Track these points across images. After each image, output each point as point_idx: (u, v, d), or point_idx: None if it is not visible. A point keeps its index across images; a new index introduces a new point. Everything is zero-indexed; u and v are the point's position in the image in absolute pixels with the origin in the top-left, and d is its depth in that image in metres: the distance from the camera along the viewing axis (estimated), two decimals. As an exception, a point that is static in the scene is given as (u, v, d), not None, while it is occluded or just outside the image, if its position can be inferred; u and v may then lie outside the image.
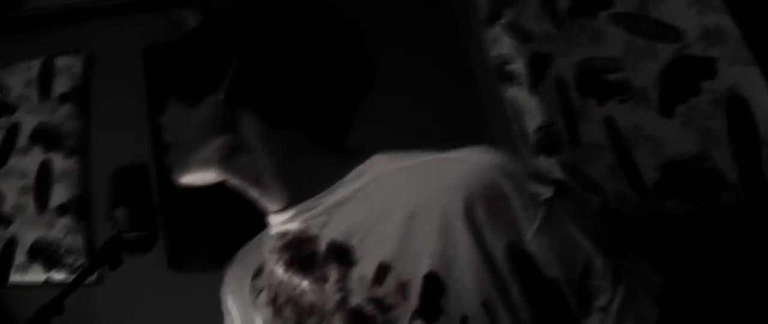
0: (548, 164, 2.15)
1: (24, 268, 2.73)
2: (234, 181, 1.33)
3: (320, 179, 1.23)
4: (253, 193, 1.32)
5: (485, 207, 1.05)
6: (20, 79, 3.04)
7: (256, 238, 1.49)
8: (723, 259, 1.54)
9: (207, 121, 1.27)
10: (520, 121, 2.37)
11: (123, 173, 1.44)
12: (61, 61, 3.05)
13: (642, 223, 1.71)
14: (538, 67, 2.12)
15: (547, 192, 1.08)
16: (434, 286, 1.06)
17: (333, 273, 1.16)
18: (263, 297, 1.35)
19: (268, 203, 1.31)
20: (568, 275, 1.07)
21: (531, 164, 1.18)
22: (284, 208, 1.27)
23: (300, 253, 1.23)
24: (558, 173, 2.09)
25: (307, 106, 1.26)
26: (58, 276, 2.71)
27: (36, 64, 3.06)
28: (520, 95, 2.32)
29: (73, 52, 3.07)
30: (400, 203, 1.12)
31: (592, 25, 1.79)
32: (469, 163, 1.11)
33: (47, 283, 2.71)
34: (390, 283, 1.09)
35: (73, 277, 2.54)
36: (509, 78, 2.40)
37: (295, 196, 1.25)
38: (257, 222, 1.41)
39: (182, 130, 1.31)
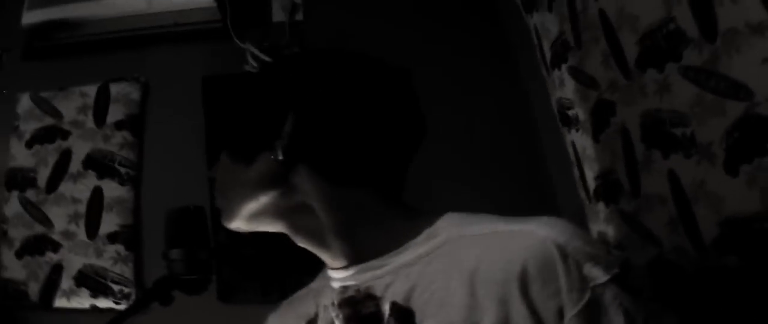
0: (607, 212, 2.17)
1: (70, 293, 2.77)
2: (295, 238, 1.37)
3: (385, 238, 1.27)
4: (316, 250, 1.35)
5: (540, 284, 1.09)
6: (75, 104, 3.10)
7: (309, 286, 1.53)
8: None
9: (263, 177, 1.30)
10: (580, 167, 2.38)
11: (180, 214, 1.49)
12: (117, 88, 3.11)
13: (699, 277, 1.72)
14: (602, 115, 2.13)
15: (600, 277, 1.09)
16: None
17: None
18: None
19: (330, 260, 1.34)
20: None
21: (599, 243, 1.18)
22: (347, 266, 1.30)
23: (361, 311, 1.26)
24: (616, 221, 2.11)
25: (365, 160, 1.30)
26: (104, 303, 2.75)
27: (91, 90, 3.11)
28: (581, 141, 2.34)
29: (129, 79, 3.12)
30: (465, 272, 1.16)
31: (659, 77, 1.79)
32: (530, 238, 1.13)
33: (93, 310, 2.76)
34: None
35: (119, 305, 2.61)
36: (571, 123, 2.42)
37: (359, 255, 1.29)
38: (308, 257, 1.44)
39: (235, 185, 1.35)
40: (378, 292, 1.25)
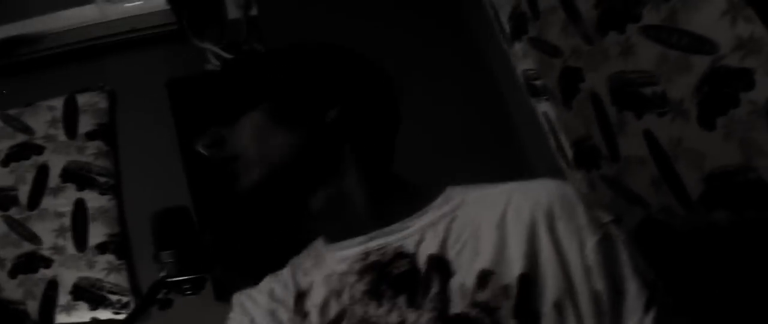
0: (589, 177, 2.25)
1: (69, 308, 2.78)
2: (323, 204, 1.41)
3: (406, 205, 1.36)
4: (337, 222, 1.41)
5: (565, 221, 1.22)
6: (44, 118, 3.10)
7: (294, 261, 1.58)
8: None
9: (304, 145, 1.37)
10: (556, 136, 2.45)
11: (166, 216, 1.50)
12: (83, 99, 3.12)
13: (689, 235, 1.79)
14: (570, 82, 2.20)
15: (606, 217, 1.24)
16: (527, 285, 1.18)
17: (434, 284, 1.25)
18: (315, 318, 1.38)
19: (349, 231, 1.39)
20: (610, 291, 1.18)
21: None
22: (367, 232, 1.36)
23: (392, 271, 1.31)
24: (599, 186, 2.18)
25: (386, 142, 1.46)
26: (104, 315, 2.77)
27: (58, 103, 3.12)
28: (552, 110, 2.40)
29: (94, 89, 3.14)
30: (491, 218, 1.27)
31: (621, 39, 1.86)
32: (552, 185, 1.29)
33: (94, 322, 2.78)
34: (494, 286, 1.20)
35: (118, 314, 2.63)
36: (539, 93, 2.48)
37: (382, 224, 1.35)
38: (301, 247, 1.49)
39: (275, 146, 1.38)
40: (410, 250, 1.31)
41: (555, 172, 2.50)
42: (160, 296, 1.45)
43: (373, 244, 1.35)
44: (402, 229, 1.34)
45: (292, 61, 1.50)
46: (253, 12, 3.14)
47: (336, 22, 2.88)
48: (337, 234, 1.42)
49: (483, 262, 1.23)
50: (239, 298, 1.63)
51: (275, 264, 1.61)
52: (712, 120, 1.58)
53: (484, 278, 1.21)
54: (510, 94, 2.88)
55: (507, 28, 2.64)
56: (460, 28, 3.12)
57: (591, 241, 1.21)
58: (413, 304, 1.26)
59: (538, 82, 2.46)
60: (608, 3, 1.88)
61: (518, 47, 2.55)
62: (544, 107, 2.50)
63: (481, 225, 1.27)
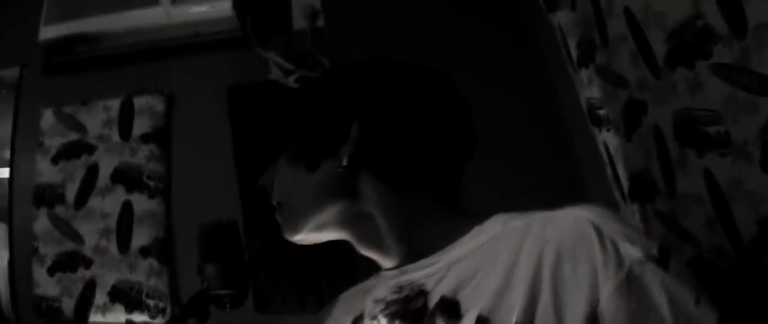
0: (643, 211, 2.19)
1: (104, 309, 2.80)
2: (353, 242, 1.42)
3: (439, 238, 1.30)
4: (373, 254, 1.40)
5: (572, 265, 1.08)
6: (99, 118, 3.13)
7: (359, 285, 1.58)
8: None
9: (327, 185, 1.35)
10: (613, 167, 2.40)
11: (214, 228, 1.52)
12: (140, 101, 3.14)
13: (738, 277, 1.73)
14: (633, 114, 2.14)
15: (637, 255, 1.07)
16: None
17: None
18: None
19: (386, 261, 1.39)
20: None
21: (637, 227, 1.15)
22: (401, 265, 1.35)
23: (409, 306, 1.29)
24: (653, 221, 2.12)
25: (426, 167, 1.36)
26: (139, 318, 2.78)
27: (114, 104, 3.15)
28: (613, 141, 2.35)
29: (152, 91, 3.16)
30: (505, 260, 1.17)
31: (690, 75, 1.81)
32: (565, 219, 1.15)
33: None
34: None
35: (154, 319, 2.64)
36: (601, 122, 2.44)
37: (416, 254, 1.32)
38: (345, 263, 1.48)
39: (299, 193, 1.39)
40: (429, 288, 1.28)
41: (610, 203, 2.46)
42: (199, 307, 1.46)
43: (404, 279, 1.34)
44: (430, 264, 1.30)
45: (306, 95, 1.49)
46: (320, 23, 3.15)
47: (403, 35, 2.87)
48: (383, 262, 1.42)
49: (483, 307, 1.15)
50: None
51: (317, 280, 1.61)
52: (773, 165, 1.53)
53: None
54: (573, 121, 2.84)
55: (574, 54, 2.59)
56: (528, 50, 3.10)
57: (608, 288, 1.05)
58: None
59: (601, 112, 2.41)
60: (680, 37, 1.82)
61: (584, 74, 2.51)
62: (604, 137, 2.44)
63: (496, 265, 1.19)
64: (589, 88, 2.49)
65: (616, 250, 1.08)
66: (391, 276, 1.38)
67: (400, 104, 1.37)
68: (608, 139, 2.41)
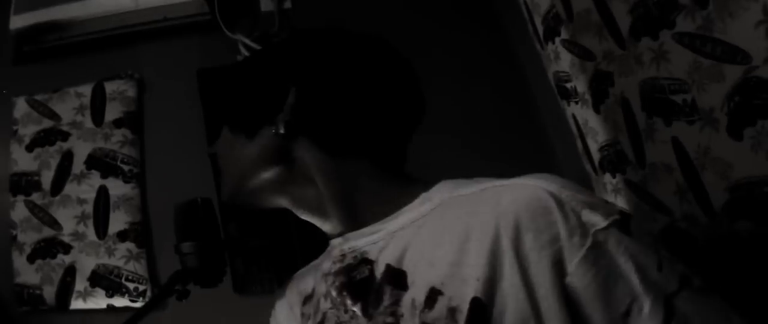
0: (614, 182, 2.22)
1: (86, 294, 2.80)
2: (294, 209, 1.42)
3: (382, 205, 1.31)
4: (315, 220, 1.41)
5: (533, 234, 1.08)
6: (71, 104, 3.11)
7: (311, 264, 1.58)
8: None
9: (265, 152, 1.35)
10: (583, 139, 2.43)
11: (189, 207, 1.52)
12: (112, 86, 3.12)
13: (711, 244, 1.76)
14: (600, 86, 2.17)
15: (600, 222, 1.08)
16: (478, 311, 1.08)
17: (386, 297, 1.22)
18: (312, 321, 1.41)
19: (329, 228, 1.40)
20: (607, 315, 1.05)
21: (593, 194, 1.16)
22: (343, 232, 1.36)
23: (355, 276, 1.30)
24: (624, 191, 2.16)
25: (364, 133, 1.36)
26: (120, 302, 2.78)
27: (86, 90, 3.13)
28: (582, 113, 2.38)
29: (123, 76, 3.15)
30: (456, 229, 1.17)
31: (655, 45, 1.83)
32: (522, 189, 1.14)
33: (110, 309, 2.80)
34: (441, 307, 1.13)
35: (135, 302, 2.65)
36: (570, 96, 2.47)
37: (357, 222, 1.34)
38: (319, 241, 1.49)
39: (237, 160, 1.40)
40: (373, 256, 1.29)
41: (581, 175, 2.49)
42: (178, 287, 1.46)
43: (347, 247, 1.35)
44: (372, 232, 1.31)
45: (246, 65, 1.50)
46: (287, 4, 3.16)
47: (369, 15, 2.88)
48: (327, 230, 1.42)
49: (434, 278, 1.16)
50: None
51: (294, 259, 1.61)
52: (740, 130, 1.56)
53: (432, 297, 1.15)
54: (541, 95, 2.87)
55: (540, 28, 2.62)
56: (493, 27, 3.12)
57: (575, 258, 1.07)
58: (366, 313, 1.24)
59: (568, 85, 2.44)
60: (643, 8, 1.85)
61: (550, 49, 2.53)
62: (573, 110, 2.47)
63: (445, 234, 1.19)
64: (556, 62, 2.51)
65: (578, 218, 1.09)
66: (336, 244, 1.39)
67: (336, 71, 1.36)
68: (577, 111, 2.44)
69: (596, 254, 1.06)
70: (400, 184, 1.36)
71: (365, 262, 1.30)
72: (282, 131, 1.31)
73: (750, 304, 1.60)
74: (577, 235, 1.07)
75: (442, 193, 1.28)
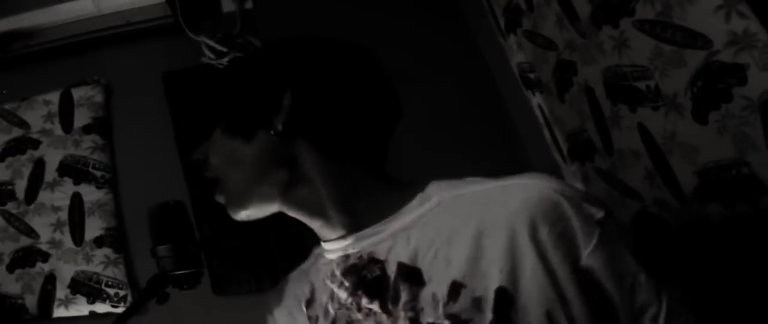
0: (583, 170, 2.25)
1: (67, 302, 2.77)
2: (294, 213, 1.41)
3: (381, 207, 1.32)
4: (315, 223, 1.40)
5: (548, 228, 1.15)
6: (40, 112, 3.09)
7: (300, 267, 1.58)
8: (763, 262, 1.57)
9: (266, 154, 1.35)
10: (550, 129, 2.45)
11: (162, 210, 1.52)
12: (79, 92, 3.10)
13: (683, 229, 1.78)
14: (564, 75, 2.20)
15: (599, 213, 1.16)
16: (505, 299, 1.14)
17: (404, 293, 1.24)
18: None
19: (329, 231, 1.39)
20: (620, 289, 1.14)
21: (583, 189, 1.19)
22: (345, 235, 1.36)
23: (366, 275, 1.31)
24: (594, 179, 2.18)
25: (357, 135, 1.38)
26: (102, 308, 2.77)
27: (54, 97, 3.10)
28: (547, 103, 2.40)
29: (90, 82, 3.12)
30: (467, 228, 1.21)
31: (616, 33, 1.86)
32: (531, 188, 1.20)
33: (92, 316, 2.78)
34: (465, 299, 1.17)
35: (116, 308, 2.64)
36: (534, 86, 2.49)
37: (357, 224, 1.34)
38: (294, 242, 1.49)
39: (240, 162, 1.38)
40: (381, 256, 1.30)
41: (550, 164, 2.51)
42: (157, 290, 1.47)
43: (350, 248, 1.36)
44: (375, 233, 1.32)
45: (240, 68, 1.50)
46: (248, 5, 3.15)
47: (331, 14, 2.89)
48: (325, 233, 1.42)
49: (455, 273, 1.20)
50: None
51: (271, 259, 1.62)
52: (705, 114, 1.58)
53: (455, 290, 1.19)
54: (505, 86, 2.88)
55: (501, 20, 2.63)
56: (455, 20, 3.12)
57: (588, 245, 1.15)
58: (386, 309, 1.27)
59: (532, 75, 2.46)
60: (603, -4, 1.88)
61: (512, 40, 2.55)
62: (538, 100, 2.50)
63: (456, 232, 1.23)
64: (519, 53, 2.53)
65: (584, 210, 1.17)
66: (334, 248, 1.40)
67: (329, 76, 1.38)
68: (542, 101, 2.46)
69: (604, 241, 1.15)
70: (394, 186, 1.39)
71: (374, 261, 1.31)
72: (280, 131, 1.31)
73: (721, 285, 1.64)
74: (588, 225, 1.15)
75: (439, 193, 1.31)
